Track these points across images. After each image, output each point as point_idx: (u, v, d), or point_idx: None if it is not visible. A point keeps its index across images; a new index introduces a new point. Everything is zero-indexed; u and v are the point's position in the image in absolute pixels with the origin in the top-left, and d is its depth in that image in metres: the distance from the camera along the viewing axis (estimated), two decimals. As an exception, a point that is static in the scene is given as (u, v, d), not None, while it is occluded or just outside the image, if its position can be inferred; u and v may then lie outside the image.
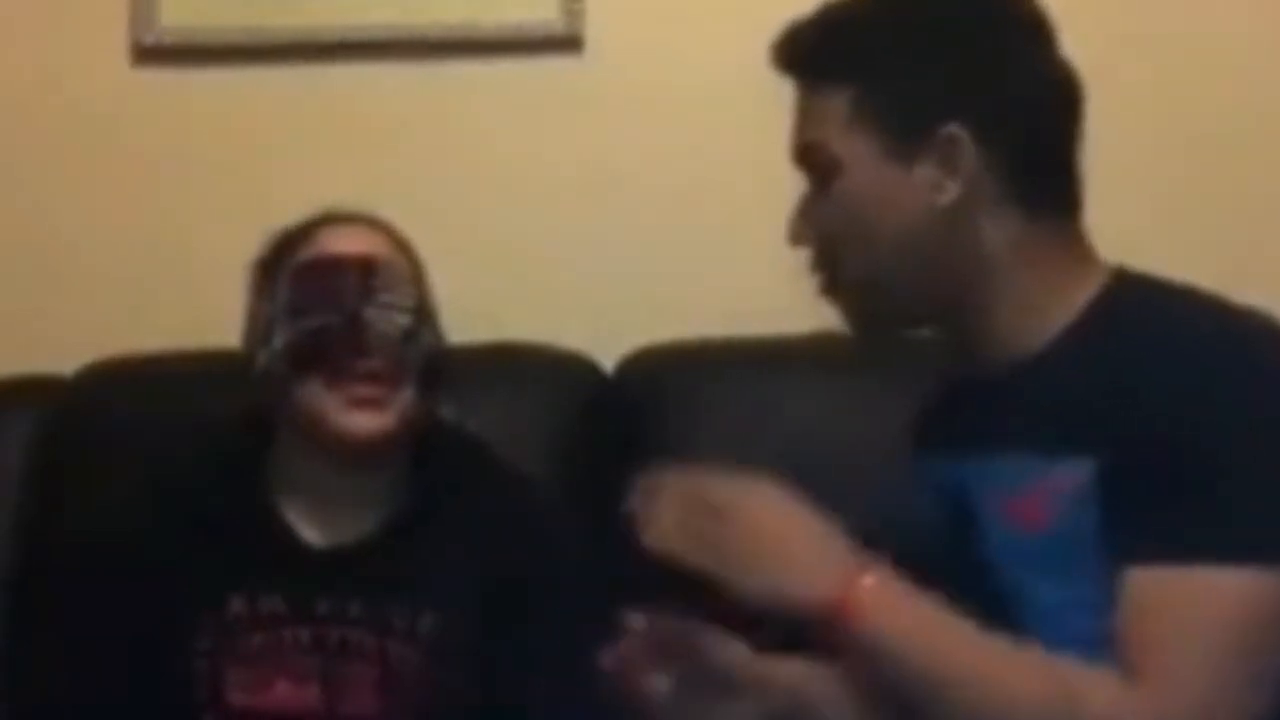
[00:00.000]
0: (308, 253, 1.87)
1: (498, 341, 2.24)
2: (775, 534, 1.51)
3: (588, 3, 2.39)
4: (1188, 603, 1.41)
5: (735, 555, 1.51)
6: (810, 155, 1.59)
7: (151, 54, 2.45)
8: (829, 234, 1.59)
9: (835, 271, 1.61)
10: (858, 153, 1.55)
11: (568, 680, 1.77)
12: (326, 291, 1.82)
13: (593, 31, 2.39)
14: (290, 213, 2.27)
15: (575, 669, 1.76)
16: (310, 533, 1.87)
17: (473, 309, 2.27)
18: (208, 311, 2.28)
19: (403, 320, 1.83)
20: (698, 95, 2.38)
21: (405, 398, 1.84)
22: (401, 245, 1.91)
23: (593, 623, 1.75)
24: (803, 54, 1.60)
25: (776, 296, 2.28)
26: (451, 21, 2.39)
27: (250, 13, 2.42)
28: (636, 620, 1.59)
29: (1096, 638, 1.44)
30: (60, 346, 2.32)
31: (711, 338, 2.25)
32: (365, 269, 1.83)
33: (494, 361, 2.22)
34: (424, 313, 1.87)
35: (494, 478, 1.94)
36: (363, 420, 1.81)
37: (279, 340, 1.83)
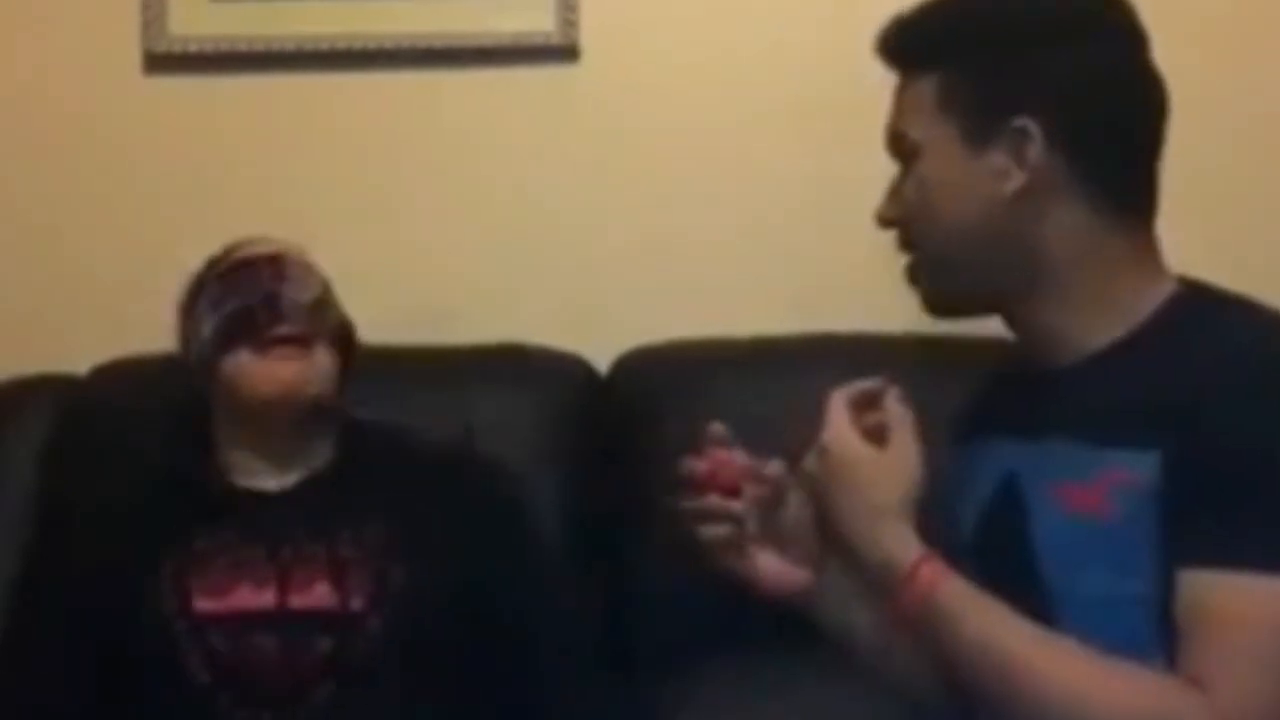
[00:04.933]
0: (224, 263, 2.08)
1: (493, 342, 2.27)
2: (872, 483, 1.55)
3: (584, 13, 2.41)
4: (1255, 612, 1.42)
5: (836, 495, 1.57)
6: (898, 142, 1.64)
7: (162, 62, 2.49)
8: (906, 215, 1.63)
9: (912, 251, 1.64)
10: (937, 137, 1.59)
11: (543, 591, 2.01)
12: (243, 281, 2.04)
13: (589, 41, 2.42)
14: (296, 216, 2.33)
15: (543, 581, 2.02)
16: (258, 481, 2.05)
17: (469, 310, 2.35)
18: None
19: (310, 294, 2.03)
20: (693, 104, 2.41)
21: (320, 356, 2.03)
22: (308, 257, 2.09)
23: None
24: (901, 44, 1.64)
25: (770, 298, 2.37)
26: (449, 31, 2.43)
27: (259, 22, 2.47)
28: (717, 431, 1.66)
29: (1140, 636, 1.47)
30: (74, 346, 2.36)
31: (705, 339, 2.28)
32: (276, 261, 2.05)
33: (489, 362, 2.25)
34: (329, 297, 2.06)
35: (427, 440, 2.10)
36: (284, 370, 2.01)
37: (206, 330, 2.04)
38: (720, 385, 2.21)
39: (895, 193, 1.64)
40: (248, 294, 2.03)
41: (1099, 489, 1.50)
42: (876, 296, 2.31)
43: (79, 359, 2.34)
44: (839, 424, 1.59)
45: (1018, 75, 1.57)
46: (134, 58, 2.49)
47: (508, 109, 2.44)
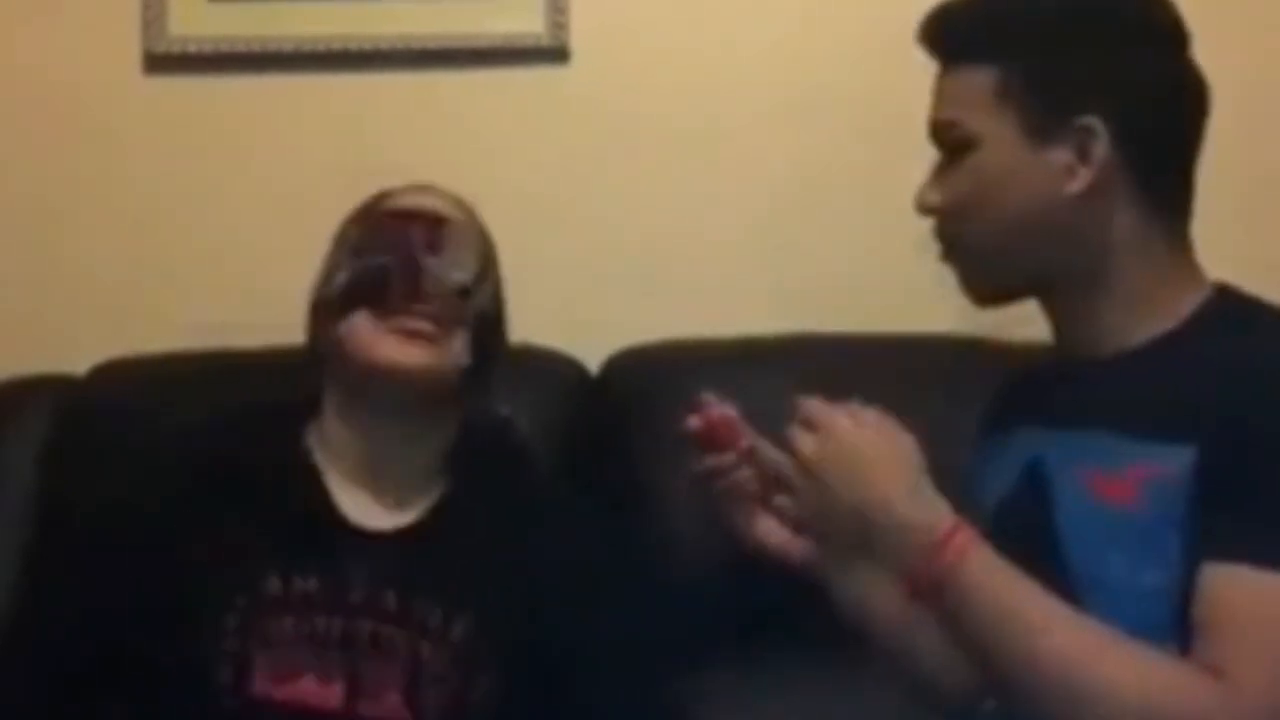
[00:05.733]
0: (385, 205, 1.91)
1: None
2: (852, 497, 1.56)
3: (573, 14, 2.41)
4: (1273, 606, 1.43)
5: (822, 517, 1.60)
6: (947, 130, 1.64)
7: (162, 62, 2.48)
8: (956, 204, 1.63)
9: (956, 239, 1.65)
10: (997, 130, 1.59)
11: (624, 673, 1.84)
12: (393, 237, 1.85)
13: (579, 43, 2.42)
14: (297, 217, 2.32)
15: (630, 662, 1.86)
16: (354, 510, 1.86)
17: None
18: (218, 312, 2.40)
19: (461, 276, 1.85)
20: (682, 105, 2.42)
21: (455, 345, 1.85)
22: (475, 217, 1.94)
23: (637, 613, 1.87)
24: (953, 33, 1.64)
25: (761, 298, 2.37)
26: (440, 33, 2.43)
27: (258, 23, 2.47)
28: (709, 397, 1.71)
29: (1158, 627, 1.47)
30: (73, 346, 2.35)
31: (696, 338, 2.28)
32: (434, 223, 1.86)
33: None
34: (485, 278, 1.89)
35: (541, 485, 1.97)
36: (410, 351, 1.82)
37: (340, 278, 1.86)
38: (711, 385, 2.11)
39: (941, 180, 1.64)
40: (391, 253, 1.84)
41: (1129, 480, 1.52)
42: (868, 297, 2.35)
43: (78, 359, 2.33)
44: (835, 411, 1.61)
45: (1083, 73, 1.58)
46: (134, 58, 2.49)
47: (497, 110, 2.45)
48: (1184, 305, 1.58)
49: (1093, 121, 1.56)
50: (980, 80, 1.60)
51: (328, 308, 1.87)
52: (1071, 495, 1.57)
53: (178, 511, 1.87)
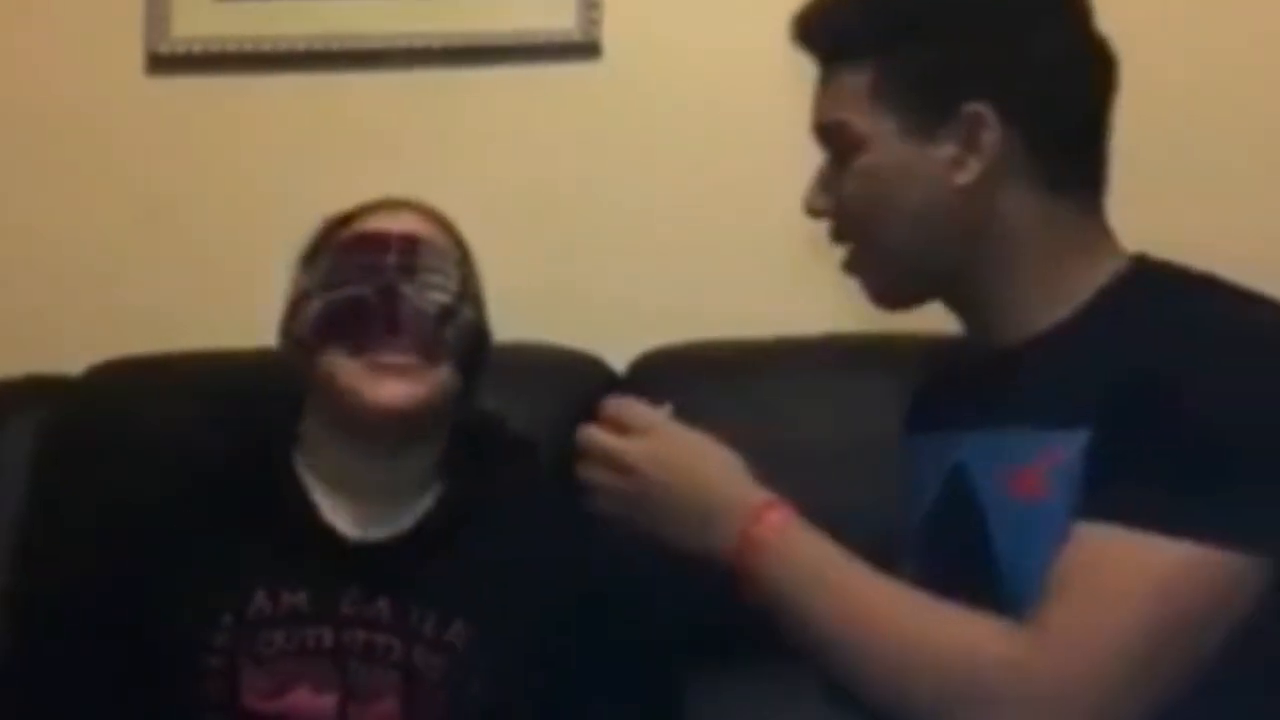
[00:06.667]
0: (352, 230, 1.83)
1: (510, 342, 2.15)
2: (678, 486, 1.55)
3: (605, 9, 2.39)
4: (1124, 567, 1.38)
5: (646, 511, 1.56)
6: (832, 133, 1.60)
7: (165, 63, 2.46)
8: (849, 208, 1.60)
9: (855, 245, 1.62)
10: (880, 130, 1.56)
11: (626, 674, 1.77)
12: (365, 265, 1.77)
13: (610, 38, 2.40)
14: (302, 219, 2.27)
15: (632, 663, 1.78)
16: (342, 522, 1.80)
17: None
18: (216, 313, 2.39)
19: (440, 298, 1.78)
20: (714, 101, 2.38)
21: (440, 374, 1.78)
22: (448, 228, 1.86)
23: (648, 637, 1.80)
24: (824, 33, 1.61)
25: (789, 299, 2.33)
26: (468, 29, 2.40)
27: (263, 22, 2.43)
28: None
29: None
30: (68, 347, 2.31)
31: (723, 340, 2.23)
32: (407, 246, 1.78)
33: (506, 362, 2.16)
34: (465, 295, 1.81)
35: (537, 482, 1.88)
36: (390, 388, 1.74)
37: (313, 309, 1.78)
38: (739, 386, 2.17)
39: (827, 183, 1.61)
40: (365, 282, 1.75)
41: (1038, 471, 1.47)
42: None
43: (72, 360, 2.28)
44: (648, 410, 1.61)
45: (963, 59, 1.54)
46: (136, 58, 2.47)
47: (528, 107, 2.41)
48: (1092, 282, 1.54)
49: (979, 108, 1.52)
50: (858, 80, 1.57)
51: (301, 343, 1.80)
52: (993, 499, 1.53)
53: (171, 514, 1.84)
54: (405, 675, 1.73)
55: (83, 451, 2.19)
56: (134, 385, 2.25)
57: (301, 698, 1.72)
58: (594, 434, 1.59)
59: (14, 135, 2.47)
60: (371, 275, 1.76)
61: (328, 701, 1.72)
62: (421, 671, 1.73)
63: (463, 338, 1.80)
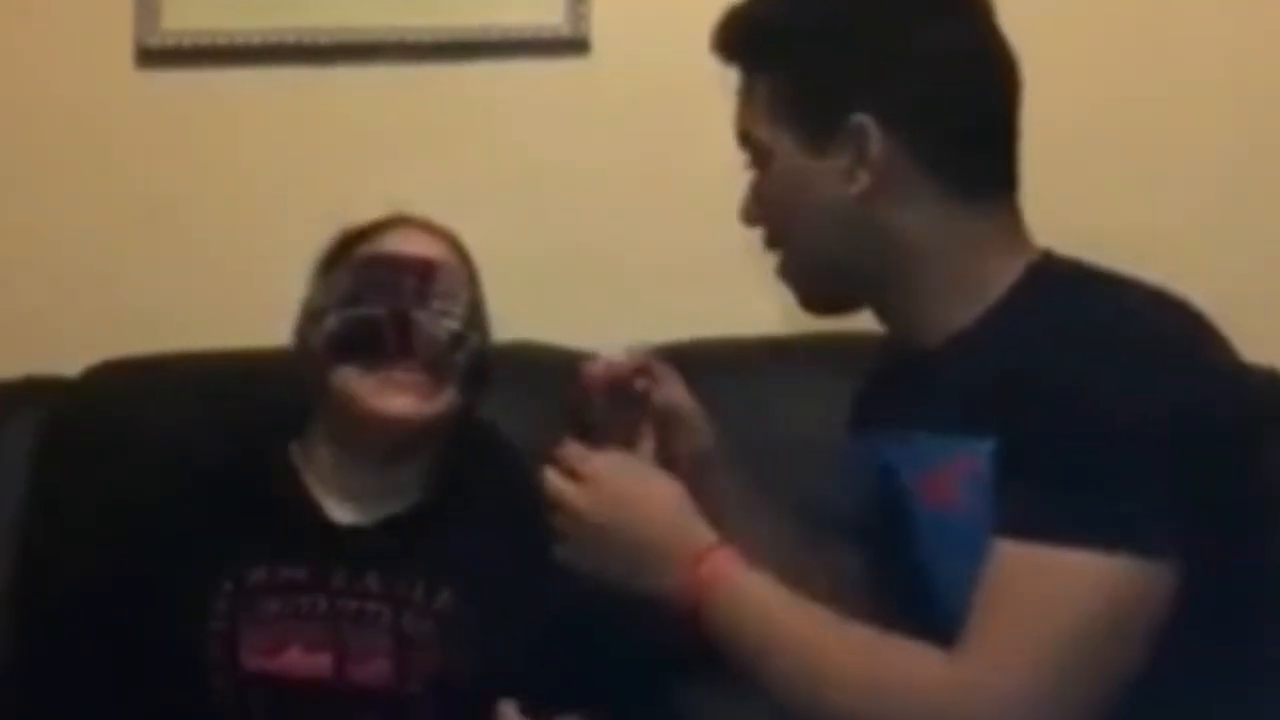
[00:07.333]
0: (371, 249, 1.91)
1: (502, 341, 2.16)
2: (621, 531, 1.56)
3: (594, 5, 2.39)
4: (1037, 581, 1.40)
5: (592, 555, 1.58)
6: (746, 142, 1.63)
7: (155, 56, 2.46)
8: (769, 216, 1.63)
9: (779, 252, 1.65)
10: (780, 142, 1.58)
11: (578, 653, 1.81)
12: (383, 286, 1.85)
13: (599, 34, 2.40)
14: (294, 214, 2.31)
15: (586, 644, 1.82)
16: (337, 512, 1.89)
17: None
18: (213, 312, 2.40)
19: (452, 325, 1.86)
20: (703, 97, 2.24)
21: (447, 396, 1.87)
22: (459, 248, 1.94)
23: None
24: (732, 42, 1.63)
25: (781, 297, 2.31)
26: (457, 24, 2.40)
27: (254, 15, 2.44)
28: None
29: None
30: (66, 347, 2.33)
31: (716, 338, 2.25)
32: (424, 271, 1.87)
33: (499, 360, 2.19)
34: (474, 321, 1.90)
35: (506, 460, 1.96)
36: (400, 400, 1.84)
37: (329, 324, 1.86)
38: (731, 385, 2.14)
39: (755, 192, 1.63)
40: (382, 304, 1.85)
41: (949, 479, 1.50)
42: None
43: (70, 360, 2.29)
44: (595, 456, 1.60)
45: (843, 71, 1.55)
46: (126, 52, 2.46)
47: (517, 102, 2.41)
48: (1000, 283, 1.54)
49: (862, 119, 1.53)
50: (760, 91, 1.59)
51: (315, 355, 1.88)
52: (916, 503, 1.55)
53: (171, 514, 1.92)
54: (396, 639, 1.81)
55: (82, 451, 2.21)
56: (133, 385, 2.26)
57: (296, 656, 1.80)
58: (549, 478, 1.61)
59: (2, 131, 2.47)
60: (387, 297, 1.85)
61: (323, 660, 1.80)
62: (411, 636, 1.81)
63: (470, 362, 1.89)
